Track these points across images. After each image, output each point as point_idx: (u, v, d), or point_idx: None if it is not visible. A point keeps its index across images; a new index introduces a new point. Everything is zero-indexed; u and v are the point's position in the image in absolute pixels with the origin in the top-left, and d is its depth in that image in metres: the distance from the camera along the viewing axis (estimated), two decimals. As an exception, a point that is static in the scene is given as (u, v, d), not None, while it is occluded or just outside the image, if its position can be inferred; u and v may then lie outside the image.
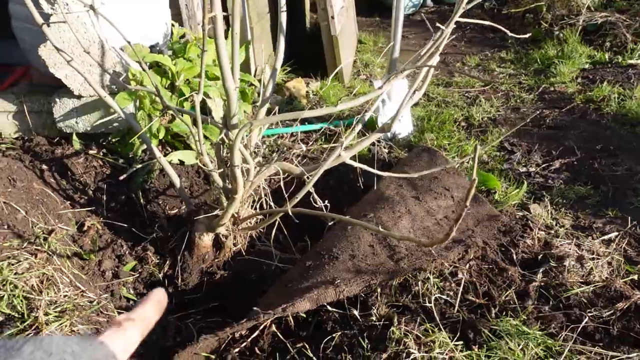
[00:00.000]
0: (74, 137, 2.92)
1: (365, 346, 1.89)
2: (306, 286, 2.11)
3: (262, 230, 2.66)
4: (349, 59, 4.85)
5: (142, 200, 2.82)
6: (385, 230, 2.32)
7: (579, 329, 1.93)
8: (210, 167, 2.09)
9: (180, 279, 2.42)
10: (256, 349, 2.04)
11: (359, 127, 2.26)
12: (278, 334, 2.07)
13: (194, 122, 2.25)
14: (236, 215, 2.36)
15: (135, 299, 2.39)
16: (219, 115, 2.93)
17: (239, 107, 2.34)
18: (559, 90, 4.17)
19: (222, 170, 2.19)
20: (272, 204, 2.55)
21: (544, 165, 3.15)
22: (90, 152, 2.89)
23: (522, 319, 1.99)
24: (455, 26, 2.59)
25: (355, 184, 3.16)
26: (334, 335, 1.97)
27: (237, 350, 2.04)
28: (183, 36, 3.36)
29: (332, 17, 4.21)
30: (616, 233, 2.45)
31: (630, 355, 1.82)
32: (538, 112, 3.80)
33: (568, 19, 5.24)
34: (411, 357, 1.80)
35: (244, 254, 2.54)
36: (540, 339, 1.90)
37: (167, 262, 2.49)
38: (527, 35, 2.37)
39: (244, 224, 2.41)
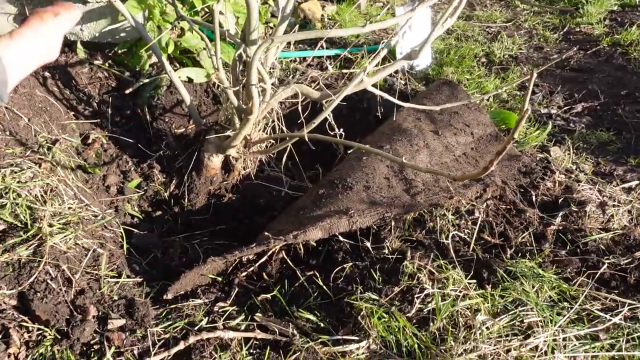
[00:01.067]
0: (78, 44, 2.76)
1: (377, 278, 1.85)
2: (318, 214, 2.04)
3: (271, 155, 2.57)
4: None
5: (148, 117, 2.70)
6: (402, 168, 2.25)
7: (596, 276, 1.89)
8: (226, 84, 1.97)
9: (186, 200, 2.36)
10: (264, 274, 2.00)
11: (384, 52, 2.13)
12: (287, 260, 2.02)
13: (203, 39, 2.11)
14: (248, 138, 2.26)
15: (140, 216, 2.34)
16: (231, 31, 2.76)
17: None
18: (584, 31, 3.99)
19: (237, 88, 2.07)
20: (284, 128, 2.44)
21: (565, 107, 3.04)
22: (96, 62, 2.74)
23: (537, 262, 1.95)
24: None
25: (367, 113, 3.05)
26: (344, 265, 1.93)
27: (244, 274, 1.99)
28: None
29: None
30: (637, 182, 2.38)
31: (646, 304, 1.79)
32: (561, 53, 3.64)
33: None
34: (424, 292, 1.76)
35: (252, 178, 2.46)
36: (555, 282, 1.86)
37: (174, 181, 2.42)
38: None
39: (255, 147, 2.31)
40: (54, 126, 2.31)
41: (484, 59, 3.60)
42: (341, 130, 2.09)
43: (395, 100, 2.05)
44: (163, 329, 1.66)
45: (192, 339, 1.60)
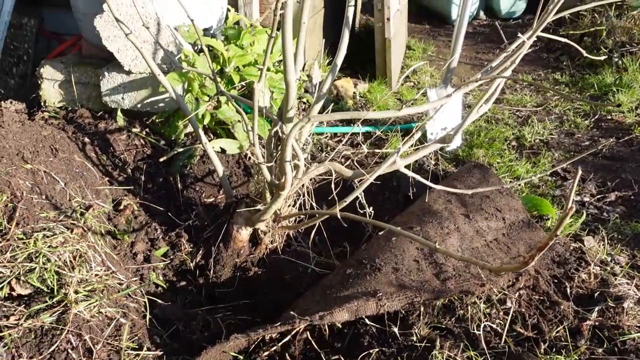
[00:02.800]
0: (119, 112, 2.86)
1: (404, 368, 1.78)
2: (345, 295, 2.00)
3: (299, 230, 2.56)
4: (398, 64, 4.73)
5: (179, 185, 2.74)
6: (432, 252, 2.21)
7: (636, 378, 1.78)
8: (261, 160, 1.99)
9: (212, 271, 2.34)
10: (287, 354, 1.94)
11: (419, 134, 2.14)
12: (312, 341, 1.96)
13: (239, 112, 2.16)
14: (278, 212, 2.26)
15: (165, 286, 2.32)
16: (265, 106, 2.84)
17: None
18: (616, 119, 3.99)
19: (271, 164, 2.09)
20: (314, 203, 2.44)
21: (598, 196, 2.99)
22: (134, 129, 2.82)
23: (573, 359, 1.86)
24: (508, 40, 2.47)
25: (396, 192, 3.04)
26: (371, 351, 1.86)
27: (266, 353, 1.94)
28: (237, 23, 3.28)
29: (388, 19, 4.09)
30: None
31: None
32: (593, 142, 3.63)
33: (630, 47, 5.04)
34: (455, 386, 1.68)
35: (280, 252, 2.44)
36: (592, 383, 1.76)
37: (200, 251, 2.41)
38: (597, 58, 2.23)
39: (284, 222, 2.31)
40: (88, 191, 2.35)
41: (514, 142, 3.61)
42: (370, 208, 2.08)
43: (427, 182, 2.04)
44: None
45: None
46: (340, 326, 2.02)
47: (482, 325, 1.96)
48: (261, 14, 3.55)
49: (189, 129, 2.88)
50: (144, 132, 2.83)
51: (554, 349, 1.91)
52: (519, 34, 1.95)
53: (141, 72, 2.83)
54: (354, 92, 4.02)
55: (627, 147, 3.59)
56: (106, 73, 2.85)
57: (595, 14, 5.75)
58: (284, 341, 1.97)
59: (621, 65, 4.89)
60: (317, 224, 2.29)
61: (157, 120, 2.85)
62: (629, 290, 2.12)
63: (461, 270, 2.14)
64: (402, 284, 2.04)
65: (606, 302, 2.07)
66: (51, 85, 3.05)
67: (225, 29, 3.18)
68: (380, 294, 1.96)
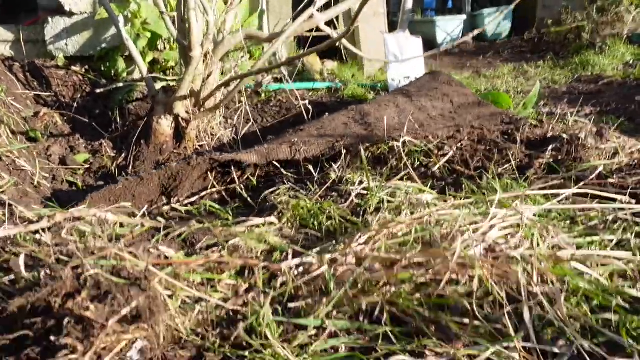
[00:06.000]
0: (60, 55, 2.80)
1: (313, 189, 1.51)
2: (261, 146, 1.78)
3: (234, 137, 2.37)
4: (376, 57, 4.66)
5: (117, 117, 2.60)
6: (365, 116, 2.00)
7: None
8: (162, 8, 1.86)
9: (131, 167, 2.13)
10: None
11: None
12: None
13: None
14: (198, 95, 2.09)
15: (81, 187, 2.11)
16: None
17: None
18: (597, 74, 3.79)
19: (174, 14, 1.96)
20: (248, 109, 2.28)
21: (572, 110, 2.75)
22: (73, 68, 2.74)
23: (522, 186, 1.56)
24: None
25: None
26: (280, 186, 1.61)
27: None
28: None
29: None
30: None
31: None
32: (573, 89, 3.43)
33: (612, 31, 4.93)
34: (362, 185, 1.41)
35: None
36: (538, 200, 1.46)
37: (123, 154, 2.22)
38: None
39: (208, 104, 2.12)
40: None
41: (489, 88, 3.43)
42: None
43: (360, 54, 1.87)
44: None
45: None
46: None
47: (415, 165, 1.70)
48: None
49: (133, 72, 2.80)
50: (83, 70, 2.75)
51: (498, 179, 1.63)
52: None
53: (82, 12, 2.80)
54: (321, 68, 3.94)
55: (606, 86, 3.37)
56: (50, 19, 2.84)
57: (577, 14, 5.74)
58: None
59: (605, 47, 4.77)
60: (243, 105, 2.11)
61: (96, 56, 2.78)
62: (587, 127, 1.83)
63: (392, 129, 1.91)
64: (324, 135, 1.82)
65: (562, 140, 1.78)
66: (3, 47, 3.04)
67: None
68: (296, 139, 1.74)
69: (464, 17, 7.08)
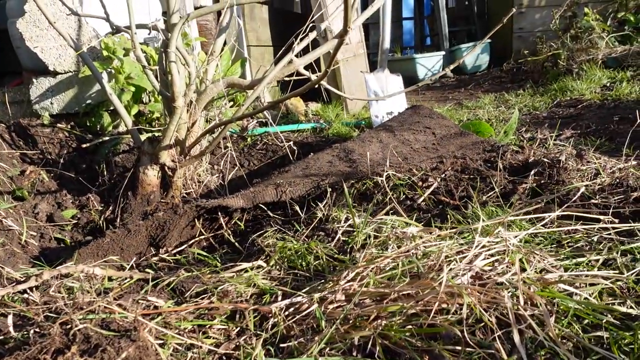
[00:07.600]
0: (45, 114, 2.83)
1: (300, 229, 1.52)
2: (247, 190, 1.79)
3: (222, 182, 2.39)
4: (358, 96, 4.74)
5: (104, 171, 2.62)
6: (349, 153, 2.03)
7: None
8: (144, 63, 1.90)
9: (118, 220, 2.13)
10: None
11: (313, 35, 2.06)
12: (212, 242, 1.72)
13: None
14: (183, 144, 2.11)
15: (69, 243, 2.10)
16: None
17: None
18: (575, 98, 3.87)
19: (154, 69, 2.00)
20: (233, 153, 2.30)
21: (552, 134, 2.80)
22: (59, 125, 2.77)
23: (506, 212, 1.58)
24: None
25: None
26: (267, 229, 1.61)
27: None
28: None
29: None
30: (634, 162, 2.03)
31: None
32: (553, 114, 3.49)
33: (587, 57, 5.06)
34: (348, 222, 1.41)
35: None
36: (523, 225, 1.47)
37: (110, 208, 2.22)
38: None
39: (194, 151, 2.14)
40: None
41: (472, 118, 3.48)
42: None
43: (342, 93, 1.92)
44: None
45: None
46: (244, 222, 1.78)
47: (400, 199, 1.71)
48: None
49: (118, 126, 2.83)
50: (69, 126, 2.77)
51: (484, 207, 1.64)
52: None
53: (66, 71, 2.84)
54: (305, 110, 4.00)
55: (586, 109, 3.43)
56: (34, 79, 2.88)
57: (552, 43, 5.90)
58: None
59: (581, 72, 4.88)
60: (229, 151, 2.13)
61: (81, 112, 2.81)
62: (567, 151, 1.87)
63: (377, 164, 1.93)
64: (309, 174, 1.83)
65: (543, 165, 1.81)
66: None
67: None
68: (281, 181, 1.76)
69: (442, 53, 7.25)
